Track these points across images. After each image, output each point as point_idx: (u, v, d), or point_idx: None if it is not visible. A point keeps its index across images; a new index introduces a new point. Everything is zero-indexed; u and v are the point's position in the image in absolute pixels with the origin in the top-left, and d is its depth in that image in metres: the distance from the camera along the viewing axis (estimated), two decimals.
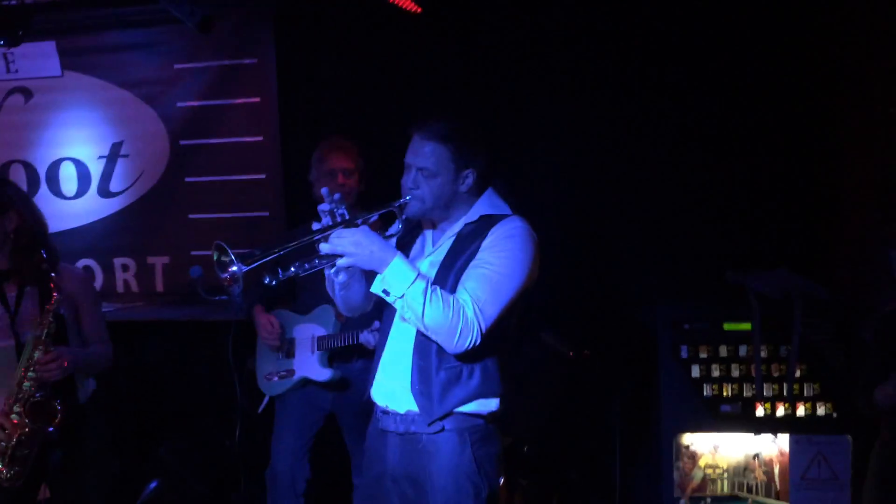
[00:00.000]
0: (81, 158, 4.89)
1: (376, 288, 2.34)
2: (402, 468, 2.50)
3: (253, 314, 3.78)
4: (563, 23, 4.33)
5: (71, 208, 4.92)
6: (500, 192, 2.56)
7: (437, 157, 2.42)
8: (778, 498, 3.70)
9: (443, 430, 2.43)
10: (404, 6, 4.09)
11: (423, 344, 2.42)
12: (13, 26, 4.06)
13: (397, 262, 2.30)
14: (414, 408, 2.44)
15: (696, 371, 3.75)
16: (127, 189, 4.87)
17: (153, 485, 2.78)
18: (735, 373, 3.74)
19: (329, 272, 2.49)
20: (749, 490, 3.73)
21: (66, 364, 2.93)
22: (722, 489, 3.75)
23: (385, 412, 2.54)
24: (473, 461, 2.42)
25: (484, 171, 2.49)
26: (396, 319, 2.51)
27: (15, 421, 2.88)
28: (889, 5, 3.61)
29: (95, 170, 4.88)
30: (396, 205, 2.46)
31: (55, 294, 2.93)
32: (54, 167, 4.92)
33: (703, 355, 3.76)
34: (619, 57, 4.31)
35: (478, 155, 2.47)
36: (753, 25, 4.19)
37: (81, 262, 4.89)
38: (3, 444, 2.87)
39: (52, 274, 2.96)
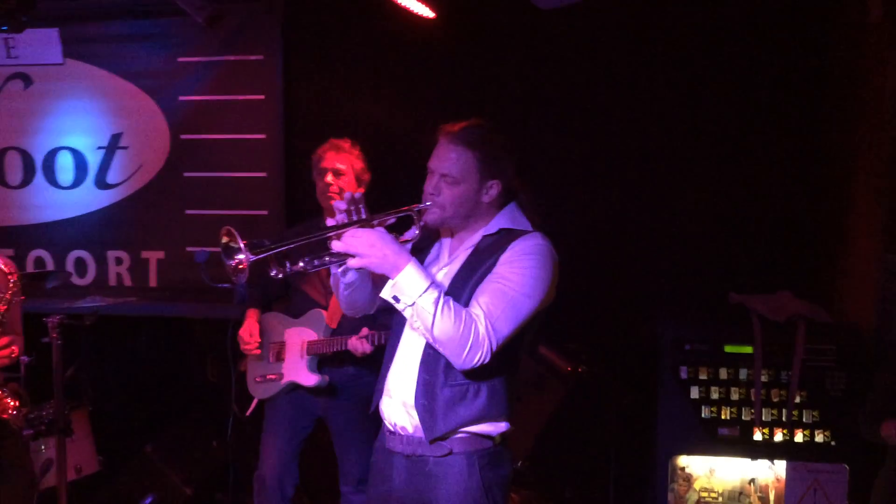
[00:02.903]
0: (79, 148, 4.85)
1: (386, 293, 2.25)
2: (408, 491, 2.42)
3: (244, 315, 3.73)
4: (577, 37, 4.30)
5: (66, 198, 4.88)
6: (524, 208, 2.47)
7: (463, 164, 2.33)
8: None
9: (450, 453, 2.36)
10: (417, 12, 4.03)
11: (431, 358, 2.35)
12: (17, 12, 4.00)
13: (410, 269, 2.21)
14: (419, 424, 2.37)
15: (695, 392, 3.70)
16: (124, 181, 4.82)
17: (149, 500, 2.68)
18: (734, 396, 3.69)
19: (337, 270, 2.42)
20: None
21: (16, 351, 2.84)
22: None
23: (392, 432, 2.47)
24: (481, 485, 2.35)
25: (508, 184, 2.41)
26: (406, 330, 2.44)
27: None
28: None
29: (93, 160, 4.84)
30: (416, 209, 2.37)
31: (12, 279, 2.86)
32: (51, 156, 4.87)
33: (703, 377, 3.70)
34: (630, 74, 4.29)
35: (504, 165, 2.38)
36: (765, 48, 4.18)
37: (74, 254, 4.86)
38: None
39: None
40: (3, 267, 2.88)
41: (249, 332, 3.63)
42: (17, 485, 2.96)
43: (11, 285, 2.88)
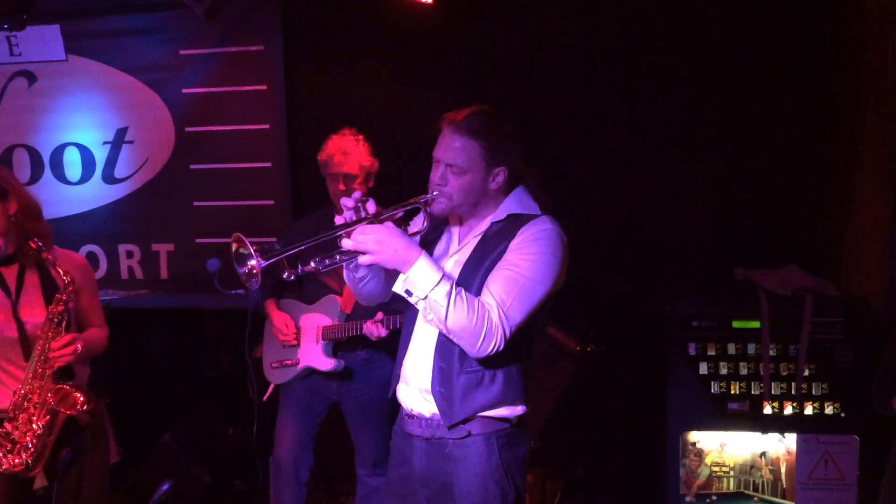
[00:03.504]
0: (86, 144, 4.87)
1: (398, 288, 2.27)
2: (428, 472, 2.45)
3: (265, 308, 3.76)
4: (577, 19, 4.28)
5: (75, 194, 4.91)
6: (531, 189, 2.46)
7: (468, 154, 2.32)
8: (784, 497, 3.69)
9: (469, 435, 2.38)
10: None
11: (446, 345, 2.36)
12: (18, 10, 4.02)
13: (421, 263, 2.22)
14: (437, 410, 2.39)
15: (703, 368, 3.72)
16: (132, 175, 4.85)
17: (165, 486, 2.69)
18: (743, 371, 3.71)
19: (349, 268, 2.44)
20: (755, 489, 3.72)
21: (79, 348, 2.86)
22: (728, 487, 3.73)
23: (410, 416, 2.49)
24: (500, 465, 2.38)
25: (514, 169, 2.40)
26: (419, 319, 2.45)
27: (33, 411, 2.81)
28: None
29: (100, 155, 4.86)
30: (423, 200, 2.36)
31: (67, 278, 2.87)
32: (58, 152, 4.90)
33: (712, 353, 3.73)
34: (632, 54, 4.27)
35: (509, 152, 2.37)
36: (766, 21, 4.15)
37: (85, 248, 4.90)
38: (21, 435, 2.79)
39: (51, 258, 2.88)
40: (60, 269, 2.87)
41: (285, 323, 3.67)
42: (99, 466, 3.01)
43: (69, 286, 2.87)
